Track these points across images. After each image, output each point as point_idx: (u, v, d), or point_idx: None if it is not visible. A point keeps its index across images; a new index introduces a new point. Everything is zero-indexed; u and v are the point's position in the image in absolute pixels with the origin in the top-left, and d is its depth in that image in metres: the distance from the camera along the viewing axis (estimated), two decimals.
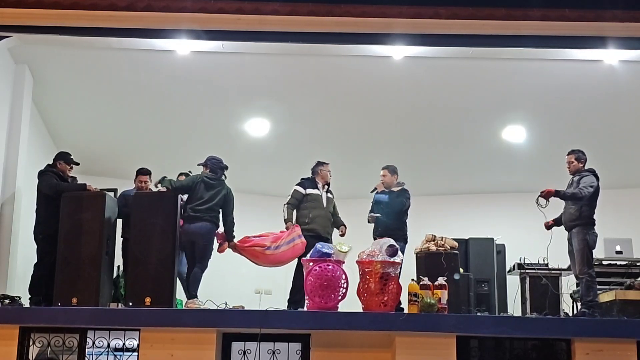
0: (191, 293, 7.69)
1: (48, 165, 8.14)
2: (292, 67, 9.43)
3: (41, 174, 7.96)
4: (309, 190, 8.38)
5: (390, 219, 8.23)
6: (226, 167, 8.09)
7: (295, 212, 8.33)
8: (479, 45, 8.32)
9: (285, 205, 8.33)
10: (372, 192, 8.45)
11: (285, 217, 8.27)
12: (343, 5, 7.99)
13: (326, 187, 8.48)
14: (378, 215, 8.24)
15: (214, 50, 8.54)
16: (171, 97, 9.84)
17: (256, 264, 8.23)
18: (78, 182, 8.11)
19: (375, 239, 8.09)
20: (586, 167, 7.78)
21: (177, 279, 7.83)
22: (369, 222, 8.33)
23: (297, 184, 8.45)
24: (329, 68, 9.40)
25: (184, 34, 8.15)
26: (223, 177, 8.07)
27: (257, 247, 8.00)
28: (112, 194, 7.98)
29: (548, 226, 7.83)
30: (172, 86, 9.63)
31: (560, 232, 7.77)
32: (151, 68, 9.31)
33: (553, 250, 7.99)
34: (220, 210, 7.95)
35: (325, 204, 8.37)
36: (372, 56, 8.79)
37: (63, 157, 8.18)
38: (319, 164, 8.54)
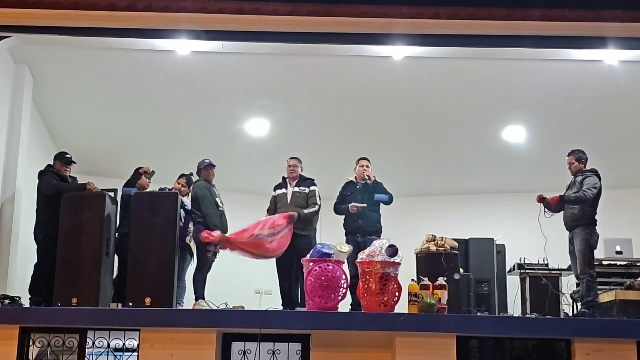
0: (196, 294, 7.78)
1: (48, 165, 8.14)
2: (292, 67, 9.43)
3: (41, 174, 7.96)
4: (277, 191, 8.36)
5: (374, 212, 8.21)
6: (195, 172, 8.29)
7: None
8: (479, 45, 8.32)
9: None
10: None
11: None
12: (343, 5, 7.99)
13: (294, 182, 8.28)
14: (364, 205, 8.12)
15: (214, 50, 8.55)
16: (171, 97, 9.84)
17: (259, 257, 8.07)
18: (78, 182, 8.11)
19: (351, 230, 8.10)
20: (587, 167, 7.77)
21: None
22: (350, 211, 8.11)
23: None
24: (329, 68, 9.40)
25: (184, 34, 8.15)
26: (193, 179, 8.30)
27: (250, 235, 7.81)
28: (112, 194, 7.98)
29: (540, 199, 7.70)
30: (172, 86, 9.62)
31: (560, 232, 7.77)
32: (151, 68, 9.31)
33: (553, 250, 7.99)
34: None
35: (289, 201, 8.21)
36: (372, 56, 8.78)
37: (59, 157, 8.18)
38: None
